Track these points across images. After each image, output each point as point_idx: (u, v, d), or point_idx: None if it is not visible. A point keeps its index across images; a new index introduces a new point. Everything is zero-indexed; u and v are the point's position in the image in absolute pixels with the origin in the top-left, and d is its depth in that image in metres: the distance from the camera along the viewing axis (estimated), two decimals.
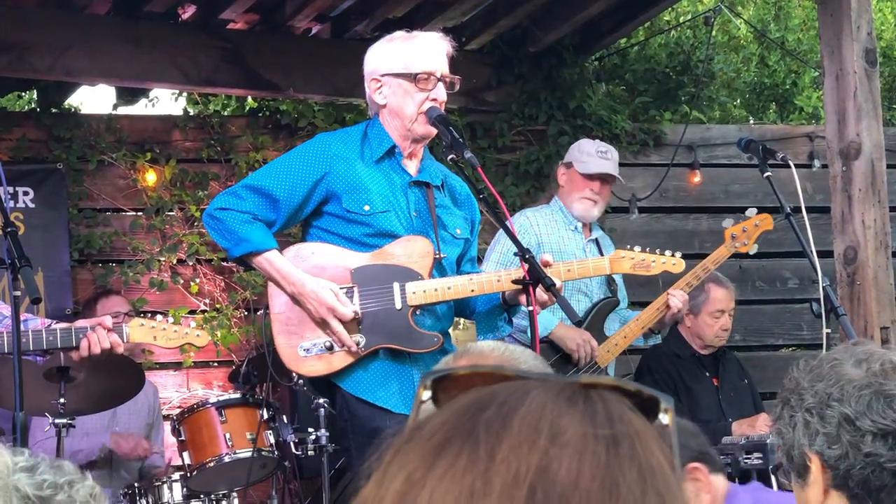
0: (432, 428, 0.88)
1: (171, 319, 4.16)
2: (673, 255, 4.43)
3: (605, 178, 5.39)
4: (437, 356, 3.88)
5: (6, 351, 3.69)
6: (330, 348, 3.86)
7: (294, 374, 4.98)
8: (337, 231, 3.93)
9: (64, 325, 3.82)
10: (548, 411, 0.87)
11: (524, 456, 0.85)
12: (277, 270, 3.88)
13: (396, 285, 3.89)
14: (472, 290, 3.93)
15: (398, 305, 3.89)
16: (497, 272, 4.00)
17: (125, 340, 3.87)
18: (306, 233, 4.03)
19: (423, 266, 3.93)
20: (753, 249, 5.33)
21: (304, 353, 3.88)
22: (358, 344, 3.86)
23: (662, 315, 5.33)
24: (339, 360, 3.88)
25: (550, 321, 5.07)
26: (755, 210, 5.33)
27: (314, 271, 3.90)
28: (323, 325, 3.86)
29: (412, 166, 4.00)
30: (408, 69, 3.91)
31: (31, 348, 3.72)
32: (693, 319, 5.75)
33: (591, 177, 5.34)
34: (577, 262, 4.26)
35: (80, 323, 3.90)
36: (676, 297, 5.30)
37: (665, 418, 0.91)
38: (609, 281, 5.42)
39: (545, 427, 0.86)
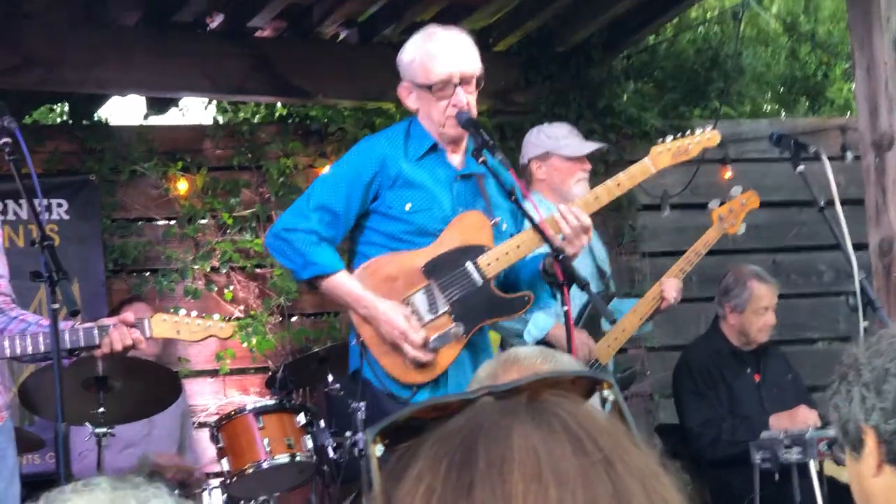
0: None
1: (194, 313, 4.10)
2: (704, 130, 4.27)
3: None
4: (480, 348, 3.92)
5: (42, 350, 3.69)
6: (434, 350, 3.87)
7: (329, 378, 5.03)
8: (379, 228, 3.95)
9: (88, 324, 3.81)
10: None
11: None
12: (348, 293, 3.89)
13: (469, 263, 3.92)
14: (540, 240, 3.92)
15: (479, 282, 3.92)
16: (550, 216, 3.95)
17: (148, 335, 3.85)
18: (356, 229, 4.02)
19: (485, 237, 3.96)
20: (742, 229, 5.27)
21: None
22: (457, 335, 3.88)
23: (658, 305, 5.21)
24: (447, 357, 3.89)
25: (547, 322, 4.89)
26: (740, 189, 5.27)
27: (387, 283, 3.91)
28: (395, 347, 3.87)
29: (457, 159, 4.01)
30: (426, 80, 3.91)
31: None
32: (738, 317, 5.72)
33: (579, 158, 5.13)
34: (624, 172, 4.12)
35: (104, 321, 3.90)
36: (671, 287, 5.18)
37: (608, 394, 0.93)
38: (601, 273, 5.31)
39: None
